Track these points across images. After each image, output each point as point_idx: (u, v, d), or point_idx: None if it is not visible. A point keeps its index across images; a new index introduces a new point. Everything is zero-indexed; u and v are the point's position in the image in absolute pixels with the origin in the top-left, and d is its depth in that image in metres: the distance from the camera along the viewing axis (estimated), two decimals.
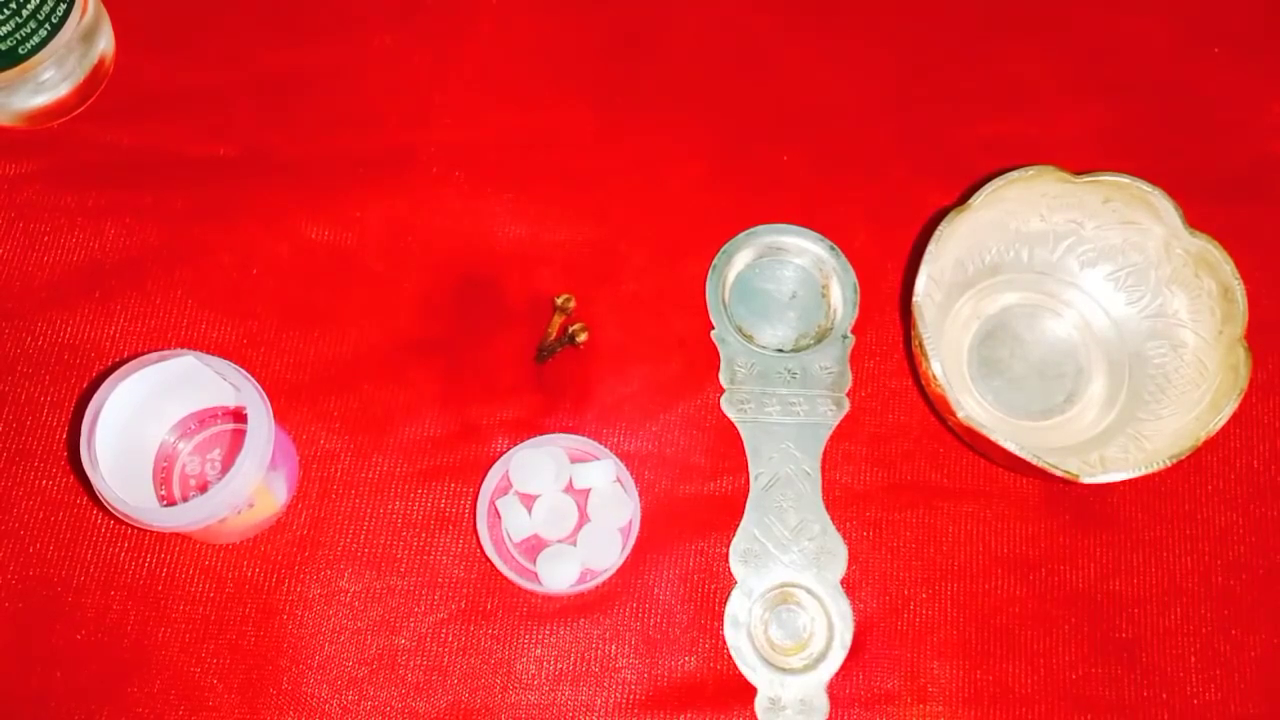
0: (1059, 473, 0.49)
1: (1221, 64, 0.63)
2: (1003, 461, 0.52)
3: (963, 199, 0.53)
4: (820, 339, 0.57)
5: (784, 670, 0.52)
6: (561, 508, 0.53)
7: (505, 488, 0.54)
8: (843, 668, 0.52)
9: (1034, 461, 0.49)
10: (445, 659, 0.52)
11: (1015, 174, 0.53)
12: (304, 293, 0.56)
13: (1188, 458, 0.50)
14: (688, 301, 0.57)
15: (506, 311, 0.56)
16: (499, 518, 0.53)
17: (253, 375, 0.48)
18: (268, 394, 0.48)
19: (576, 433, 0.54)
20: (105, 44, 0.59)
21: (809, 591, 0.53)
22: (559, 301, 0.56)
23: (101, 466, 0.46)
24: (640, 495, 0.53)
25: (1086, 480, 0.49)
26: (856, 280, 0.57)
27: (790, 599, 0.53)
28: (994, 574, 0.54)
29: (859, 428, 0.55)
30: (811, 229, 0.58)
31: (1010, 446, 0.49)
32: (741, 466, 0.54)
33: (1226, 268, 0.52)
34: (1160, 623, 0.53)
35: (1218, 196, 0.58)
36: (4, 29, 0.52)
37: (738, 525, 0.53)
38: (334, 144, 0.59)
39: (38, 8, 0.52)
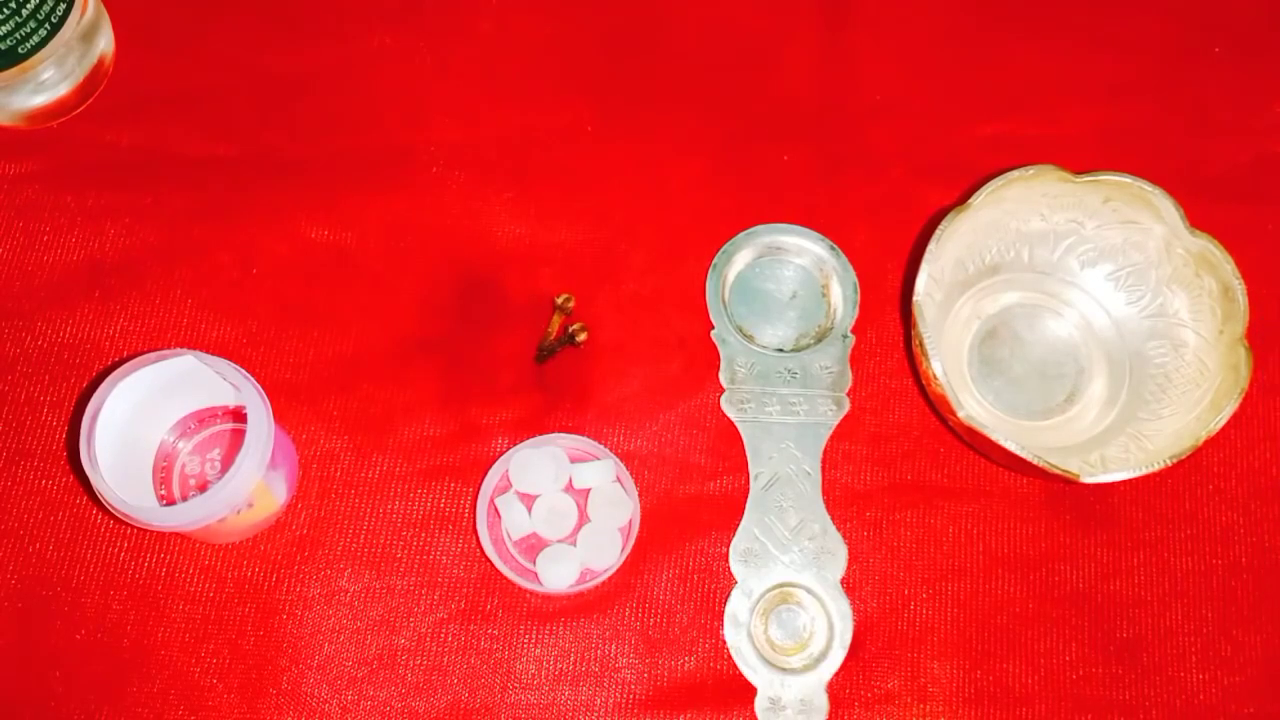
0: (1059, 472, 0.49)
1: (1221, 64, 0.63)
2: (1003, 461, 0.52)
3: (963, 199, 0.53)
4: (820, 339, 0.57)
5: (784, 670, 0.52)
6: (561, 507, 0.53)
7: (505, 487, 0.54)
8: (843, 668, 0.52)
9: (1034, 461, 0.49)
10: (445, 659, 0.52)
11: (1015, 173, 0.53)
12: (304, 293, 0.56)
13: (1188, 458, 0.50)
14: (688, 301, 0.57)
15: (506, 311, 0.56)
16: (499, 517, 0.53)
17: (253, 375, 0.48)
18: (268, 394, 0.48)
19: (576, 432, 0.54)
20: (105, 44, 0.59)
21: (809, 591, 0.53)
22: (559, 301, 0.56)
23: (101, 466, 0.46)
24: (640, 495, 0.53)
25: (1087, 480, 0.49)
26: (856, 280, 0.57)
27: (790, 599, 0.53)
28: (994, 574, 0.54)
29: (859, 427, 0.55)
30: (811, 229, 0.58)
31: (1011, 446, 0.49)
32: (741, 466, 0.54)
33: (1227, 267, 0.52)
34: (1160, 623, 0.53)
35: (1218, 196, 0.58)
36: (4, 28, 0.52)
37: (738, 525, 0.53)
38: (334, 144, 0.59)
39: (37, 7, 0.52)
